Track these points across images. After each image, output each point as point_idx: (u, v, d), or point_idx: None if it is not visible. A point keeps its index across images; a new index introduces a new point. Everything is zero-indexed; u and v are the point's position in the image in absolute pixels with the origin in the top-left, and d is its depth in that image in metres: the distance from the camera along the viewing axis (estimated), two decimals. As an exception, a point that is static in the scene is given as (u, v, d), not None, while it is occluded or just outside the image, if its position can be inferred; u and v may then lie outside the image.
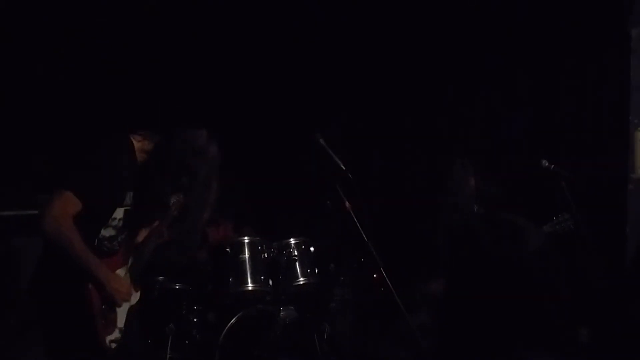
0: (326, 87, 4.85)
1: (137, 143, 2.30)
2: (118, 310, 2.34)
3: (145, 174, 2.30)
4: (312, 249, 3.62)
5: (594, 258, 3.58)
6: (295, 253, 3.54)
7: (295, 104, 4.70)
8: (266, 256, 3.53)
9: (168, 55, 4.35)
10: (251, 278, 3.44)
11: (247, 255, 3.47)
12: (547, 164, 3.48)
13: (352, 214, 3.13)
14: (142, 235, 2.56)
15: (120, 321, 2.35)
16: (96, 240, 2.26)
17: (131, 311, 2.42)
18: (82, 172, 2.19)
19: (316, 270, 3.60)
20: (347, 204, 3.18)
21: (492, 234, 3.75)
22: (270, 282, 3.51)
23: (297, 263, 3.54)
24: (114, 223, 2.30)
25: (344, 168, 3.09)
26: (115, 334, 2.29)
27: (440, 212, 3.92)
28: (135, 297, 2.46)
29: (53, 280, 2.20)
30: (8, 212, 3.57)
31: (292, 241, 3.59)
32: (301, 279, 3.53)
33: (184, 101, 4.15)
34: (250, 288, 3.43)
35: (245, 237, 3.54)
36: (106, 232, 2.29)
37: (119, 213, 2.30)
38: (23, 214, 3.54)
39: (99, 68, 4.17)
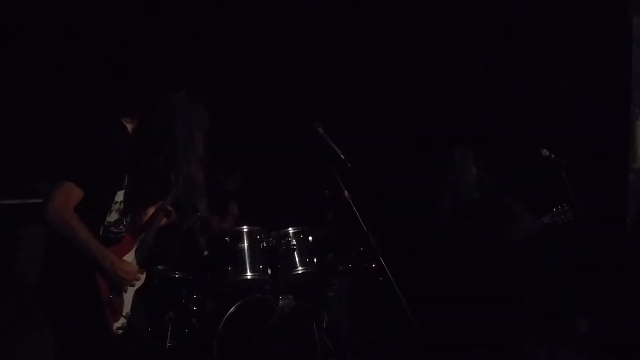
0: (326, 75, 4.83)
1: (128, 125, 2.30)
2: (124, 296, 2.35)
3: (139, 151, 2.29)
4: (310, 238, 3.62)
5: (593, 248, 3.57)
6: (294, 242, 3.55)
7: (294, 92, 4.68)
8: (265, 245, 3.54)
9: (167, 45, 4.34)
10: (250, 267, 3.45)
11: (245, 245, 3.48)
12: (547, 153, 3.46)
13: (351, 203, 3.13)
14: (146, 216, 2.57)
15: (126, 307, 2.36)
16: (102, 228, 2.27)
17: (137, 295, 2.44)
18: (79, 160, 2.19)
19: (314, 260, 3.61)
20: (345, 193, 3.18)
21: (492, 221, 3.75)
22: (269, 271, 3.53)
23: (295, 252, 3.55)
24: (117, 206, 2.30)
25: (343, 157, 3.09)
26: (122, 321, 2.31)
27: (441, 200, 3.91)
28: (142, 279, 2.46)
29: (61, 271, 2.21)
30: (9, 200, 3.58)
31: (291, 230, 3.60)
32: (300, 268, 3.54)
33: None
34: (249, 277, 3.44)
35: (244, 227, 3.56)
36: (110, 218, 2.30)
37: (120, 196, 2.30)
38: (24, 203, 3.55)
39: (96, 54, 4.16)
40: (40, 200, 3.32)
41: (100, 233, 2.26)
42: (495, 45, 4.58)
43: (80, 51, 4.17)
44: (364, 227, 3.09)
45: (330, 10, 4.69)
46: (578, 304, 4.14)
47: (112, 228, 2.31)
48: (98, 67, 4.18)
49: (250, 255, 3.47)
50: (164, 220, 2.60)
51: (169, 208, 2.55)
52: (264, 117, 4.65)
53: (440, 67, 4.85)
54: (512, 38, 4.48)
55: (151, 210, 2.59)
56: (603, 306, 3.94)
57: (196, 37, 4.43)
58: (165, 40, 4.34)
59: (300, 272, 3.54)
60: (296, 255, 3.55)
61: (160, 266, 3.50)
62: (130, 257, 2.42)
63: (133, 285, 2.36)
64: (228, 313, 3.33)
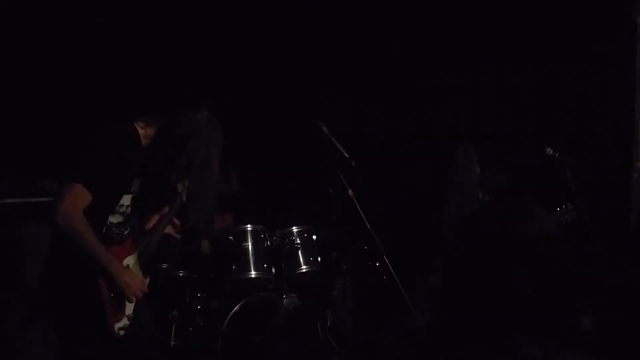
0: (329, 73, 4.82)
1: (141, 130, 2.29)
2: None
3: (150, 159, 2.29)
4: (314, 237, 3.61)
5: (597, 247, 3.56)
6: (298, 241, 3.54)
7: (298, 90, 4.68)
8: (269, 244, 3.53)
9: (171, 43, 4.33)
10: (254, 266, 3.45)
11: (250, 243, 3.48)
12: (551, 152, 3.46)
13: (355, 202, 3.13)
14: (151, 222, 2.56)
15: (129, 309, 2.34)
16: (104, 228, 2.26)
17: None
18: (90, 163, 2.18)
19: (319, 258, 3.61)
20: (350, 192, 3.18)
21: (497, 220, 3.76)
22: (273, 270, 3.52)
23: (299, 251, 3.54)
24: (122, 210, 2.29)
25: (347, 156, 3.09)
26: (124, 322, 2.29)
27: (446, 200, 3.91)
28: (145, 283, 2.45)
29: (63, 269, 2.20)
30: (12, 199, 3.58)
31: (295, 229, 3.59)
32: (304, 266, 3.54)
33: (189, 91, 4.15)
34: (253, 276, 3.44)
35: (248, 225, 3.54)
36: (114, 219, 2.29)
37: (126, 200, 2.29)
38: (27, 201, 3.54)
39: (100, 55, 4.15)
40: (43, 199, 3.33)
41: (103, 231, 2.25)
42: (498, 45, 4.57)
43: (83, 51, 4.16)
44: (368, 226, 3.09)
45: (330, 9, 4.69)
46: (582, 303, 4.14)
47: (114, 229, 2.30)
48: (103, 68, 4.17)
49: (255, 254, 3.46)
50: (168, 229, 2.60)
51: (175, 220, 2.55)
52: (269, 116, 4.64)
53: (444, 66, 4.84)
54: (516, 37, 4.47)
55: (156, 217, 2.58)
56: (606, 305, 3.94)
57: (198, 36, 4.43)
58: (167, 38, 4.33)
59: (304, 271, 3.53)
60: (300, 254, 3.54)
61: (164, 265, 3.49)
62: (132, 259, 2.40)
63: (139, 297, 2.31)
64: (232, 312, 3.32)
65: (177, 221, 2.59)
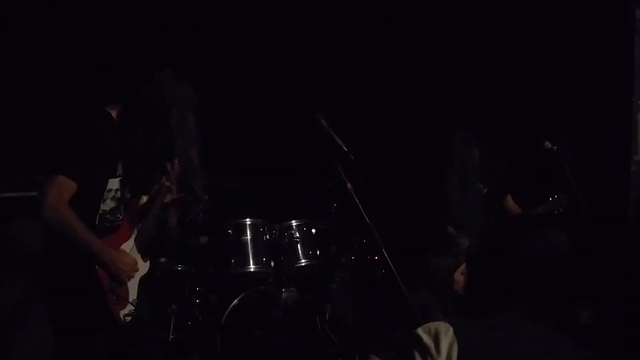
0: (327, 63, 4.80)
1: (112, 111, 2.28)
2: (129, 284, 2.33)
3: (130, 136, 2.26)
4: (313, 230, 3.63)
5: (595, 240, 3.57)
6: (297, 235, 3.55)
7: (296, 82, 4.66)
8: (268, 238, 3.55)
9: (164, 38, 4.30)
10: (253, 259, 3.46)
11: (249, 237, 3.49)
12: (550, 145, 3.46)
13: (354, 196, 3.12)
14: (143, 203, 2.54)
15: (132, 294, 2.35)
16: (97, 218, 2.25)
17: (142, 282, 2.41)
18: (70, 153, 2.18)
19: (318, 252, 3.62)
20: (348, 185, 3.17)
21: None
22: (272, 264, 3.54)
23: (298, 245, 3.55)
24: (111, 195, 2.28)
25: (346, 149, 3.07)
26: (129, 308, 2.29)
27: (446, 189, 3.88)
28: (145, 267, 2.44)
29: (60, 263, 2.20)
30: (8, 193, 3.56)
31: (294, 223, 3.61)
32: (303, 260, 3.55)
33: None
34: (252, 269, 3.45)
35: (247, 219, 3.55)
36: (106, 206, 2.28)
37: (114, 184, 2.28)
38: (23, 196, 3.53)
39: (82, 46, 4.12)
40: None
41: (97, 222, 2.25)
42: (497, 36, 4.56)
43: (69, 43, 4.11)
44: (367, 220, 3.08)
45: (329, 3, 4.67)
46: (579, 297, 4.15)
47: (108, 216, 2.29)
48: (85, 57, 4.12)
49: (254, 248, 3.47)
50: (167, 198, 2.53)
51: (168, 184, 2.47)
52: (267, 109, 4.62)
53: (443, 56, 4.81)
54: (514, 30, 4.45)
55: (148, 196, 2.55)
56: (605, 299, 3.95)
57: (192, 26, 4.39)
58: (162, 32, 4.30)
59: (303, 264, 3.55)
60: (299, 248, 3.56)
61: (163, 259, 3.49)
62: (129, 245, 2.39)
63: (132, 277, 2.34)
64: (231, 305, 3.34)
65: (170, 185, 2.50)
